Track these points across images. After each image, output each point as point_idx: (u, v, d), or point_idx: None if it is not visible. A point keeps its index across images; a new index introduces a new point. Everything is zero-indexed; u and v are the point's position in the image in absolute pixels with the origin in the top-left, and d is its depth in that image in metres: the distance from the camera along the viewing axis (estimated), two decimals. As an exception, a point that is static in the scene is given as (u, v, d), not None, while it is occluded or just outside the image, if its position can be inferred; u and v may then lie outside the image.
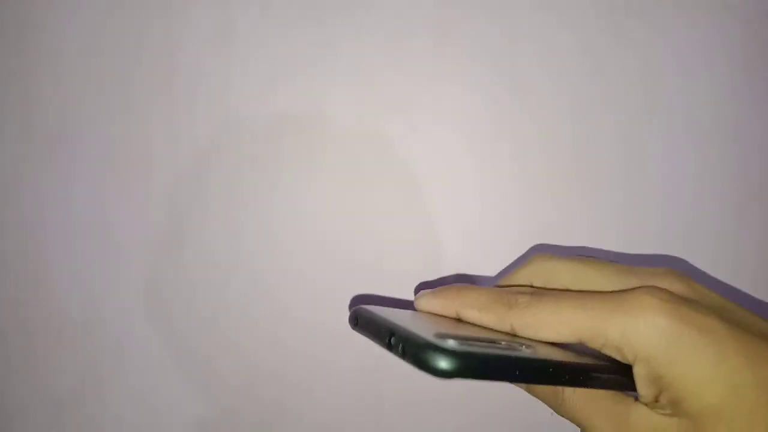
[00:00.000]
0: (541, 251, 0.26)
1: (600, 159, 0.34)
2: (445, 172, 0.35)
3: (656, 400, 0.21)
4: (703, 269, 0.34)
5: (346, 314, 0.35)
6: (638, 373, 0.20)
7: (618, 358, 0.21)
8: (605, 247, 0.34)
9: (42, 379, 0.38)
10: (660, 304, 0.20)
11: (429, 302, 0.24)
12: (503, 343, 0.21)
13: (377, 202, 0.35)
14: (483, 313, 0.22)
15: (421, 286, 0.35)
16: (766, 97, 0.34)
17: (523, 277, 0.25)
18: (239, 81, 0.35)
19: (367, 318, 0.24)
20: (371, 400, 0.36)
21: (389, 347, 0.21)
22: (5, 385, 0.38)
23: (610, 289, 0.22)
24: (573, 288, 0.23)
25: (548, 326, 0.21)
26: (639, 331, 0.20)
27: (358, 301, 0.35)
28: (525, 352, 0.20)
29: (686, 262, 0.34)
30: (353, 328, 0.25)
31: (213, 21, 0.35)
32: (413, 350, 0.19)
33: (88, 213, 0.37)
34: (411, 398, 0.36)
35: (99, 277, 0.37)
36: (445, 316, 0.24)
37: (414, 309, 0.25)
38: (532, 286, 0.25)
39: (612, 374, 0.21)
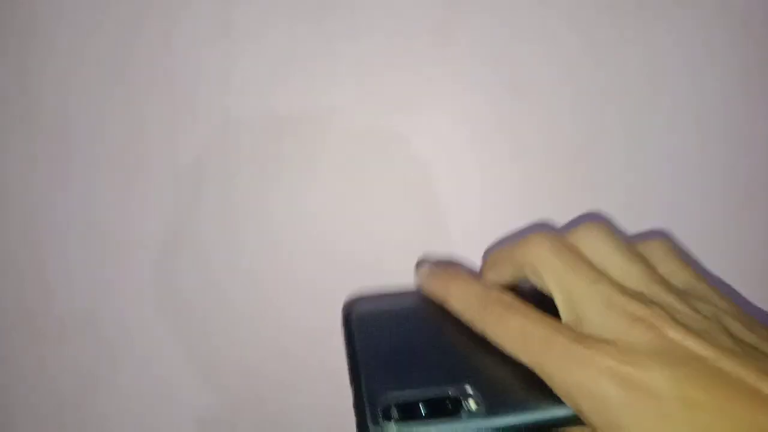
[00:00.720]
0: (542, 229, 0.27)
1: (602, 158, 0.34)
2: (447, 171, 0.35)
3: None
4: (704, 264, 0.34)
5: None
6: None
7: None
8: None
9: (43, 378, 0.38)
10: (609, 374, 0.20)
11: (424, 282, 0.28)
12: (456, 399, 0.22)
13: (378, 202, 0.35)
14: (463, 311, 0.25)
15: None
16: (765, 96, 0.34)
17: (519, 255, 0.25)
18: (239, 80, 0.35)
19: (349, 336, 0.26)
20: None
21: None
22: (7, 385, 0.38)
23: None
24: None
25: (512, 346, 0.22)
26: (588, 394, 0.20)
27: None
28: (469, 411, 0.22)
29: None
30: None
31: (212, 19, 0.35)
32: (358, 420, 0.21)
33: (89, 213, 0.36)
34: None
35: (99, 276, 0.37)
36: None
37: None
38: (517, 287, 0.26)
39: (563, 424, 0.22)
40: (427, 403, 0.22)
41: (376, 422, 0.21)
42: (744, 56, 0.34)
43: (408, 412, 0.21)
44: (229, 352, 0.37)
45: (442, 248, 0.35)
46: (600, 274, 0.22)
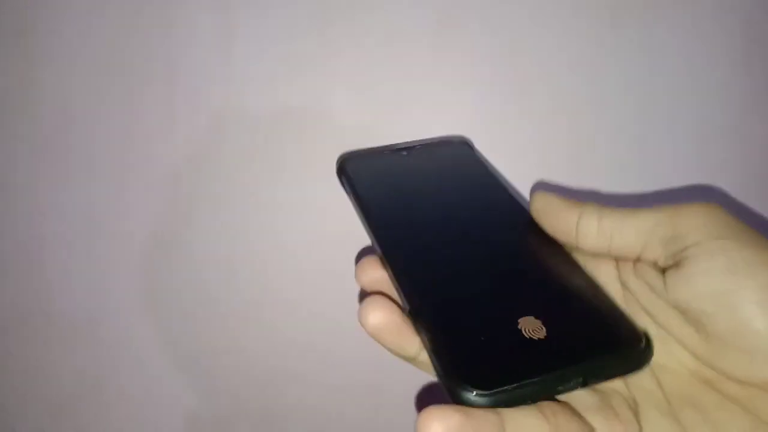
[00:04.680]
0: (542, 189, 0.26)
1: (601, 158, 0.34)
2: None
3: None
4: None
5: (348, 309, 0.36)
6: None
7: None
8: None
9: (42, 378, 0.38)
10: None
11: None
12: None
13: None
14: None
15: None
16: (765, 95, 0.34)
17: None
18: (239, 79, 0.35)
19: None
20: (373, 394, 0.36)
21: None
22: (6, 385, 0.38)
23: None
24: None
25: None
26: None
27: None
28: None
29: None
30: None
31: (213, 18, 0.35)
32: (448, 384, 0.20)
33: (89, 212, 0.37)
34: (411, 392, 0.36)
35: (99, 275, 0.37)
36: None
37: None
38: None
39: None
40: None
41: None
42: (741, 57, 0.34)
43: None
44: (230, 349, 0.37)
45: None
46: None
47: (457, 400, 0.19)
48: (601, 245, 0.23)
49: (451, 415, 0.18)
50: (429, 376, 0.35)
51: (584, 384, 0.20)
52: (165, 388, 0.37)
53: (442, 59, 0.34)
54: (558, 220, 0.24)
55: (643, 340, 0.21)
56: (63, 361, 0.37)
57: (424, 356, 0.23)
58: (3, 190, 0.37)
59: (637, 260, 0.23)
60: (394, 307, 0.23)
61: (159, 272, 0.37)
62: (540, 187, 0.34)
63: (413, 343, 0.23)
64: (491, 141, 0.34)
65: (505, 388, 0.19)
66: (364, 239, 0.35)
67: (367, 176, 0.29)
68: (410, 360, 0.24)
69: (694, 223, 0.20)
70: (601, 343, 0.21)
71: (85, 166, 0.36)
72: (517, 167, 0.34)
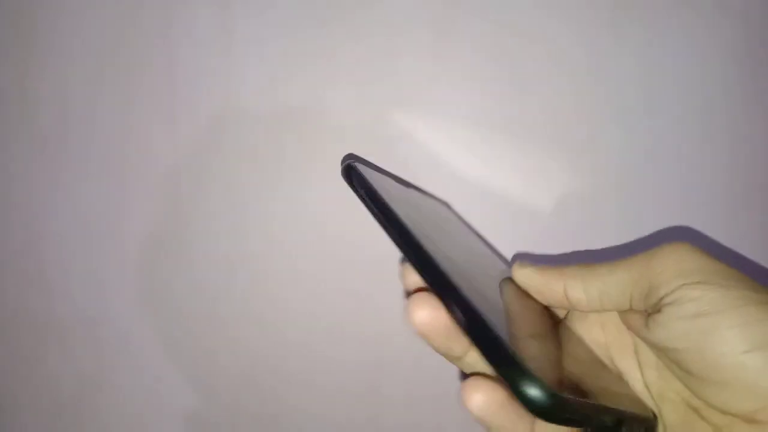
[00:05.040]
0: (521, 260, 0.27)
1: (600, 155, 0.34)
2: (446, 168, 0.35)
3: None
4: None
5: (348, 310, 0.36)
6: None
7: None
8: (605, 243, 0.34)
9: (43, 377, 0.38)
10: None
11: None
12: None
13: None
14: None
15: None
16: (765, 95, 0.34)
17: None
18: (239, 78, 0.35)
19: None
20: (371, 395, 0.36)
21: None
22: (7, 384, 0.38)
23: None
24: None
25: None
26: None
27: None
28: None
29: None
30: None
31: (213, 18, 0.35)
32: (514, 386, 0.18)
33: (89, 212, 0.36)
34: (411, 393, 0.36)
35: (99, 276, 0.37)
36: None
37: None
38: None
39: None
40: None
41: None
42: (741, 57, 0.34)
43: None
44: (230, 350, 0.37)
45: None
46: None
47: (524, 396, 0.18)
48: (594, 307, 0.25)
49: (497, 389, 0.21)
50: (428, 379, 0.35)
51: (618, 427, 0.20)
52: (164, 388, 0.37)
53: (442, 58, 0.34)
54: (545, 296, 0.25)
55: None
56: (62, 362, 0.37)
57: (471, 357, 0.24)
58: (2, 190, 0.37)
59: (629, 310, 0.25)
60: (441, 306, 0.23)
61: (158, 273, 0.36)
62: (518, 257, 0.35)
63: (461, 344, 0.23)
64: (491, 140, 0.34)
65: (569, 398, 0.18)
66: (364, 239, 0.35)
67: (379, 183, 0.27)
68: (455, 360, 0.24)
69: (665, 272, 0.22)
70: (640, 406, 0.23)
71: (84, 166, 0.36)
72: (517, 166, 0.34)
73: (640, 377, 0.25)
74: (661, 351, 0.23)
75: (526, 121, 0.34)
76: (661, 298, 0.22)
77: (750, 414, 0.20)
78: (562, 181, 0.34)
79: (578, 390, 0.20)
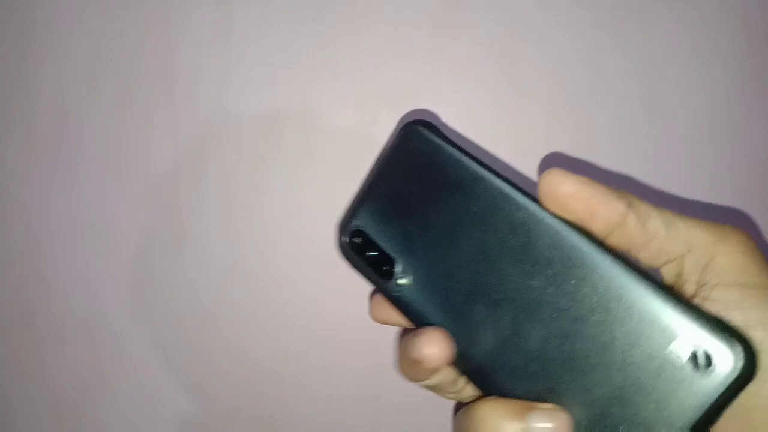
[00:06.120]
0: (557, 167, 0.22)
1: (600, 155, 0.34)
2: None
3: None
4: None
5: (345, 314, 0.35)
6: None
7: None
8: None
9: (39, 378, 0.37)
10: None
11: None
12: None
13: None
14: None
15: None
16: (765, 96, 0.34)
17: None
18: (237, 78, 0.35)
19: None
20: (369, 400, 0.36)
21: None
22: (6, 384, 0.38)
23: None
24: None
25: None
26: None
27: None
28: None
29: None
30: None
31: (210, 18, 0.35)
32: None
33: (88, 212, 0.36)
34: (409, 398, 0.36)
35: (96, 276, 0.37)
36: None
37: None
38: None
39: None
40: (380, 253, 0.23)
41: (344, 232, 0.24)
42: (741, 57, 0.34)
43: (365, 246, 0.24)
44: (228, 352, 0.37)
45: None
46: None
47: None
48: (641, 240, 0.21)
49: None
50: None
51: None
52: (161, 390, 0.37)
53: (440, 58, 0.34)
54: (596, 210, 0.21)
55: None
56: (60, 363, 0.37)
57: (469, 391, 0.24)
58: (4, 190, 0.37)
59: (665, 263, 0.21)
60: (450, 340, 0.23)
61: (155, 274, 0.36)
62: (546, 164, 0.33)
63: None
64: (490, 140, 0.34)
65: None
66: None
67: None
68: (453, 394, 0.25)
69: (729, 262, 0.20)
70: None
71: (82, 166, 0.36)
72: (517, 165, 0.34)
73: None
74: None
75: (526, 121, 0.34)
76: (713, 286, 0.20)
77: None
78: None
79: None
